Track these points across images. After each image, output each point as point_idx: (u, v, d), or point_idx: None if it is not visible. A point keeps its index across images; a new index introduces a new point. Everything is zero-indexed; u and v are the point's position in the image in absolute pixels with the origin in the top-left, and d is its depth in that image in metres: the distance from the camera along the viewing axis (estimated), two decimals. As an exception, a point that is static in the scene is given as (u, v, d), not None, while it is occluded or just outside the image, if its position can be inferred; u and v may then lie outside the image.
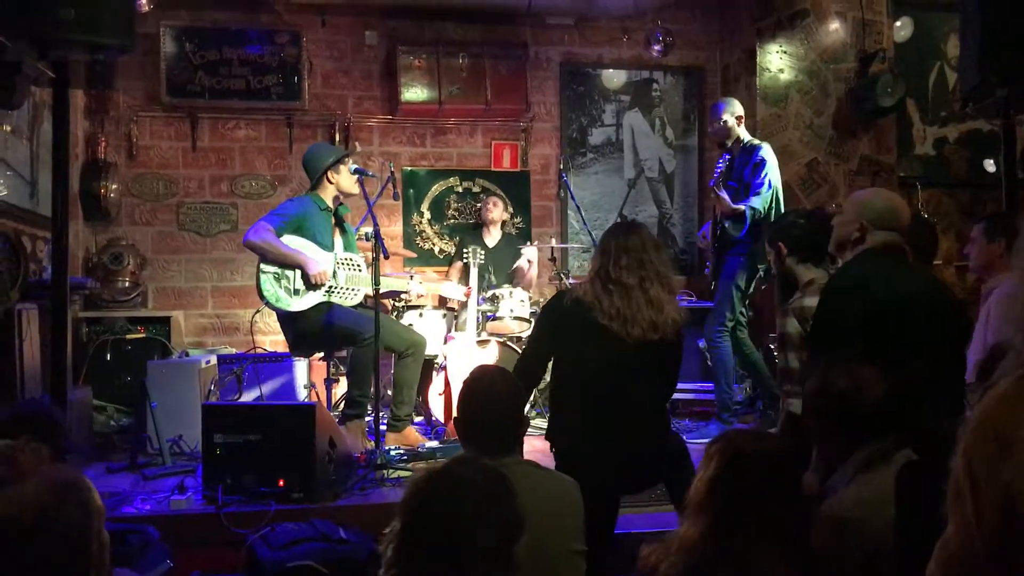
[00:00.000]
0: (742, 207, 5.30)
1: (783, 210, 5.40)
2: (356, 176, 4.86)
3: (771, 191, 5.33)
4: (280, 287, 4.70)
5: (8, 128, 4.83)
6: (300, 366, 5.46)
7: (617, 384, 3.09)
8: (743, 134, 5.57)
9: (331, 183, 4.88)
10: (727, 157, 5.54)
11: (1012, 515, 1.04)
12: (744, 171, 5.45)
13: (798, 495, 1.91)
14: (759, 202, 5.29)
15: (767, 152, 5.43)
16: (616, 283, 3.11)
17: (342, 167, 4.87)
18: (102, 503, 1.70)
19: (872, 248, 2.93)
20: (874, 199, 3.04)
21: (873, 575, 2.08)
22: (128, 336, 5.88)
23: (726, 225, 5.43)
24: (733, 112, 5.55)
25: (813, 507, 2.11)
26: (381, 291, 4.69)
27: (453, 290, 5.62)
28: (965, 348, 3.00)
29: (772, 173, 5.37)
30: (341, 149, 5.12)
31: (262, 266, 4.72)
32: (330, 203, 4.92)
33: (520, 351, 5.69)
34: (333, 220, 4.96)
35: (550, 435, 3.28)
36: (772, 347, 5.40)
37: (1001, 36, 3.89)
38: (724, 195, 5.37)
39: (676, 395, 4.74)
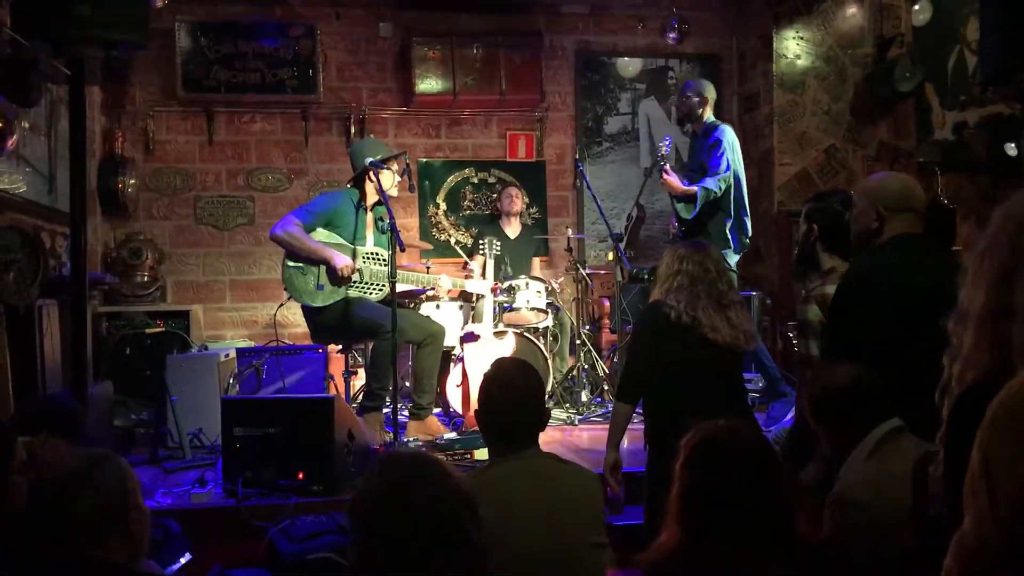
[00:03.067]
0: (694, 189, 5.26)
1: (744, 194, 5.41)
2: (392, 175, 4.86)
3: (729, 172, 5.28)
4: (305, 282, 4.72)
5: (26, 124, 4.85)
6: (320, 359, 5.48)
7: (717, 382, 3.25)
8: (709, 116, 5.53)
9: (371, 180, 4.79)
10: (669, 140, 5.56)
11: None
12: (702, 153, 5.42)
13: (779, 488, 1.82)
14: (714, 183, 5.24)
15: (724, 133, 5.37)
16: (706, 295, 3.29)
17: (384, 167, 4.85)
18: (137, 477, 1.94)
19: (895, 237, 2.83)
20: (886, 183, 2.93)
21: (882, 562, 2.07)
22: (147, 330, 5.90)
23: (676, 208, 5.40)
24: (700, 92, 5.55)
25: (804, 500, 2.06)
26: (409, 288, 4.67)
27: (479, 286, 5.62)
28: None
29: (731, 154, 5.31)
30: (388, 149, 5.08)
31: (287, 261, 4.75)
32: (368, 200, 4.91)
33: (535, 341, 5.71)
34: (368, 217, 4.95)
35: (648, 436, 3.37)
36: (791, 334, 5.37)
37: (1022, 18, 3.84)
38: (672, 177, 5.35)
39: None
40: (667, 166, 5.45)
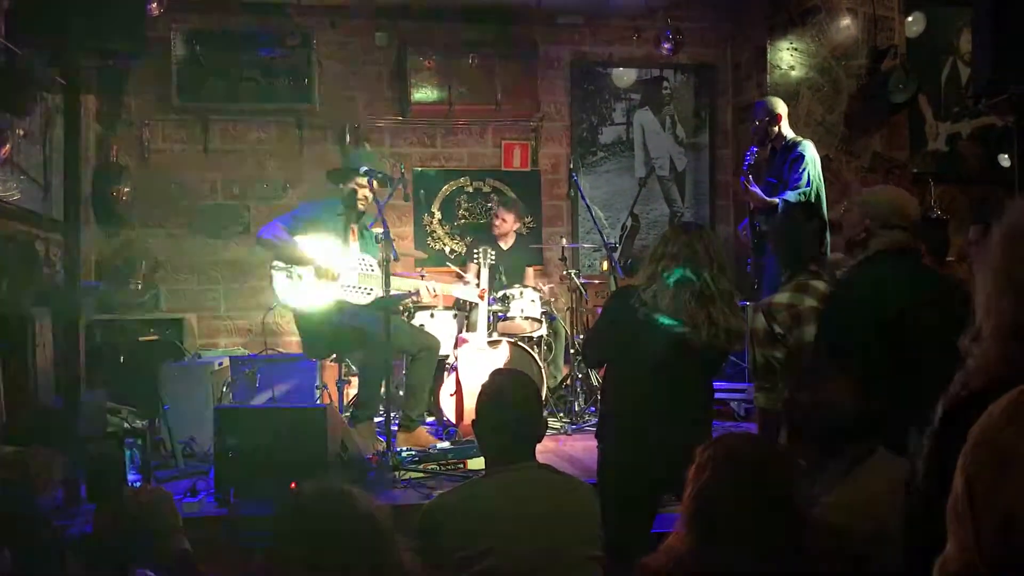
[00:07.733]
0: (775, 200, 5.27)
1: (824, 210, 5.32)
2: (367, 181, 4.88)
3: (811, 187, 5.28)
4: (291, 284, 4.75)
5: (21, 132, 4.84)
6: (313, 367, 5.47)
7: (673, 386, 3.05)
8: (785, 131, 5.54)
9: (343, 187, 4.91)
10: (754, 150, 5.52)
11: (1012, 536, 1.01)
12: (783, 167, 5.43)
13: (789, 501, 1.82)
14: (794, 196, 5.24)
15: (806, 148, 5.39)
16: (689, 287, 3.00)
17: (360, 179, 4.89)
18: None
19: (879, 251, 2.84)
20: (878, 197, 2.95)
21: None
22: (140, 339, 5.88)
23: (756, 223, 5.40)
24: (771, 111, 5.54)
25: (807, 513, 2.06)
26: (394, 292, 4.67)
27: (466, 291, 5.62)
28: None
29: (812, 169, 5.33)
30: (371, 161, 5.08)
31: (274, 263, 4.78)
32: (351, 207, 4.95)
33: (529, 350, 5.71)
34: (353, 224, 4.98)
35: (600, 433, 3.26)
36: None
37: (1014, 31, 3.86)
38: (755, 188, 5.35)
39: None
40: (750, 178, 5.40)
